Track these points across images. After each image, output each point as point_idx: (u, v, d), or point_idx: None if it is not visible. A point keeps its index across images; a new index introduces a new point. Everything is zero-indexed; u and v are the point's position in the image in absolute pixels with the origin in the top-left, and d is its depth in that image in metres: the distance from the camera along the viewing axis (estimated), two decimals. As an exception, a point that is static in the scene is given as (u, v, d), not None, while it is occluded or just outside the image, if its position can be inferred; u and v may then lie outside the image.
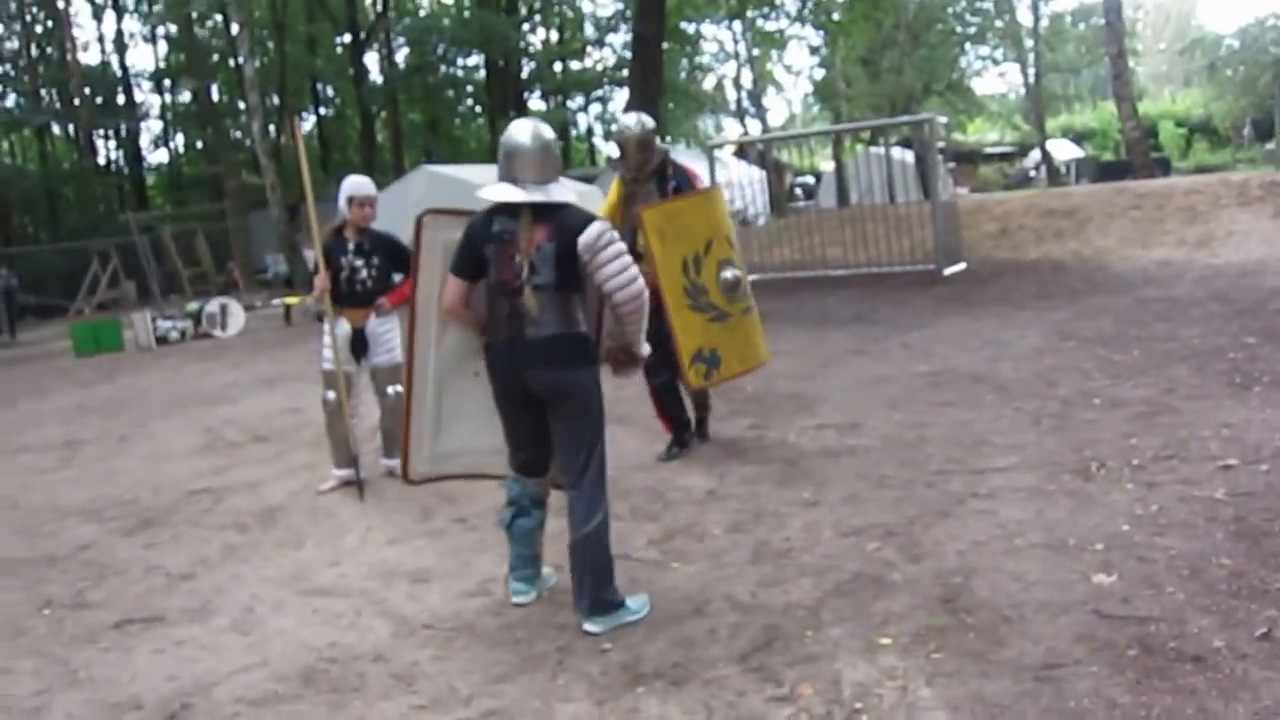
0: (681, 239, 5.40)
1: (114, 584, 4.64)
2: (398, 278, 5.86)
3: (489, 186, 3.68)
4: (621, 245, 3.62)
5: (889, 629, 3.36)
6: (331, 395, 5.85)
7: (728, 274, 5.52)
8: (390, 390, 5.83)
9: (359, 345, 5.89)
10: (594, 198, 5.99)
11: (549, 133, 3.72)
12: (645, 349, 3.85)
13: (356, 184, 5.90)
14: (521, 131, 3.68)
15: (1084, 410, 5.81)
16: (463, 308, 3.76)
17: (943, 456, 5.22)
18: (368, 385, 6.03)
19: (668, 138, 37.81)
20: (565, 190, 3.69)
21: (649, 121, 5.59)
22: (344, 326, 5.84)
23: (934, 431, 5.72)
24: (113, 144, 36.15)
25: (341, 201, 5.87)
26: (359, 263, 5.81)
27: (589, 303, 3.81)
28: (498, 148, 3.72)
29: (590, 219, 3.63)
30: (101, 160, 35.07)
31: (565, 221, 3.60)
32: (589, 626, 3.62)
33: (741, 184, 23.89)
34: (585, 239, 3.55)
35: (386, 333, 5.90)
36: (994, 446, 5.30)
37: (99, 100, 33.61)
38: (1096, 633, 3.16)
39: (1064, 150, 39.41)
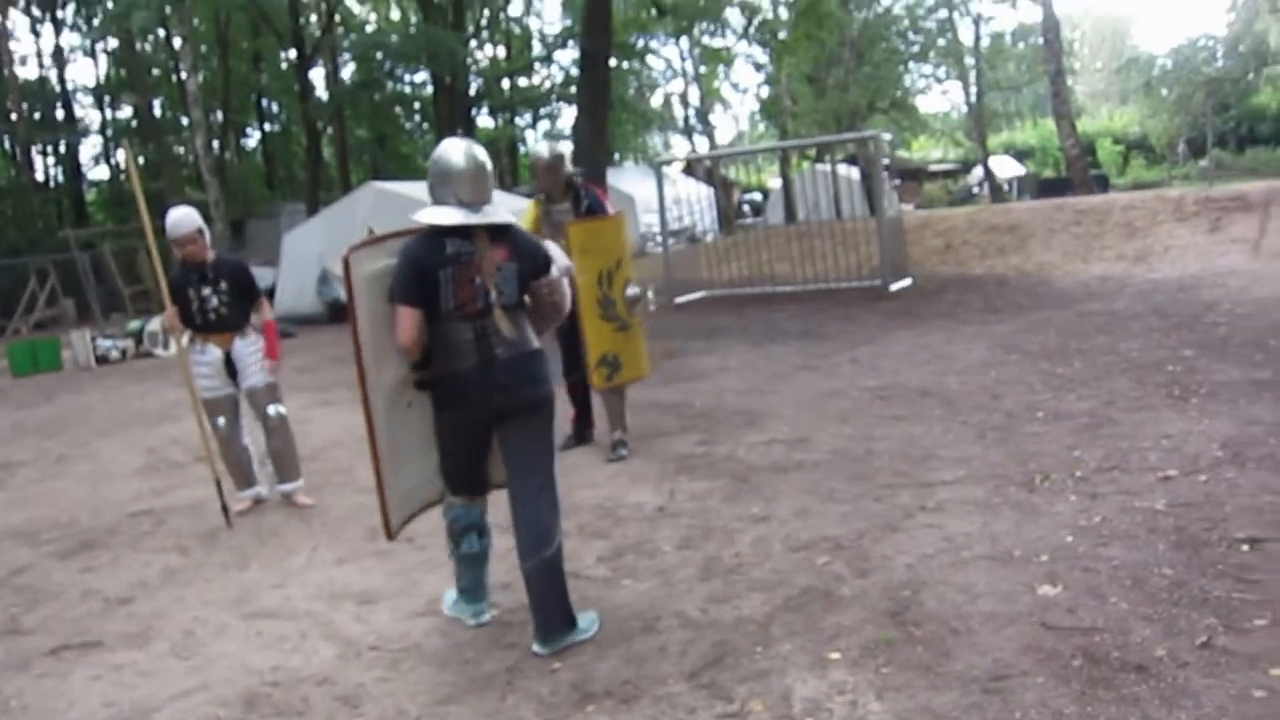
0: (600, 255, 6.05)
1: (50, 609, 4.53)
2: (251, 309, 5.87)
3: (434, 210, 3.58)
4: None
5: (838, 643, 3.37)
6: (221, 421, 5.79)
7: (632, 290, 6.19)
8: (272, 410, 5.81)
9: (230, 368, 5.81)
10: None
11: (482, 152, 3.67)
12: None
13: (171, 224, 5.68)
14: (455, 152, 3.62)
15: (1028, 423, 5.89)
16: (420, 339, 3.53)
17: (891, 470, 5.26)
18: (248, 410, 5.93)
19: (615, 154, 38.00)
20: (505, 210, 3.68)
21: (559, 148, 6.31)
22: (214, 352, 5.77)
23: (882, 445, 5.76)
24: (52, 159, 35.42)
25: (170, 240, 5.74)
26: (206, 291, 5.73)
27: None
28: (432, 169, 3.64)
29: (540, 241, 3.79)
30: (40, 176, 34.33)
31: (522, 243, 3.66)
32: (540, 649, 3.55)
33: (690, 201, 24.04)
34: (559, 264, 3.75)
35: (253, 354, 5.81)
36: (941, 460, 5.35)
37: (38, 115, 32.95)
38: (1042, 643, 3.19)
39: (1006, 167, 40.12)
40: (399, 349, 3.56)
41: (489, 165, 3.66)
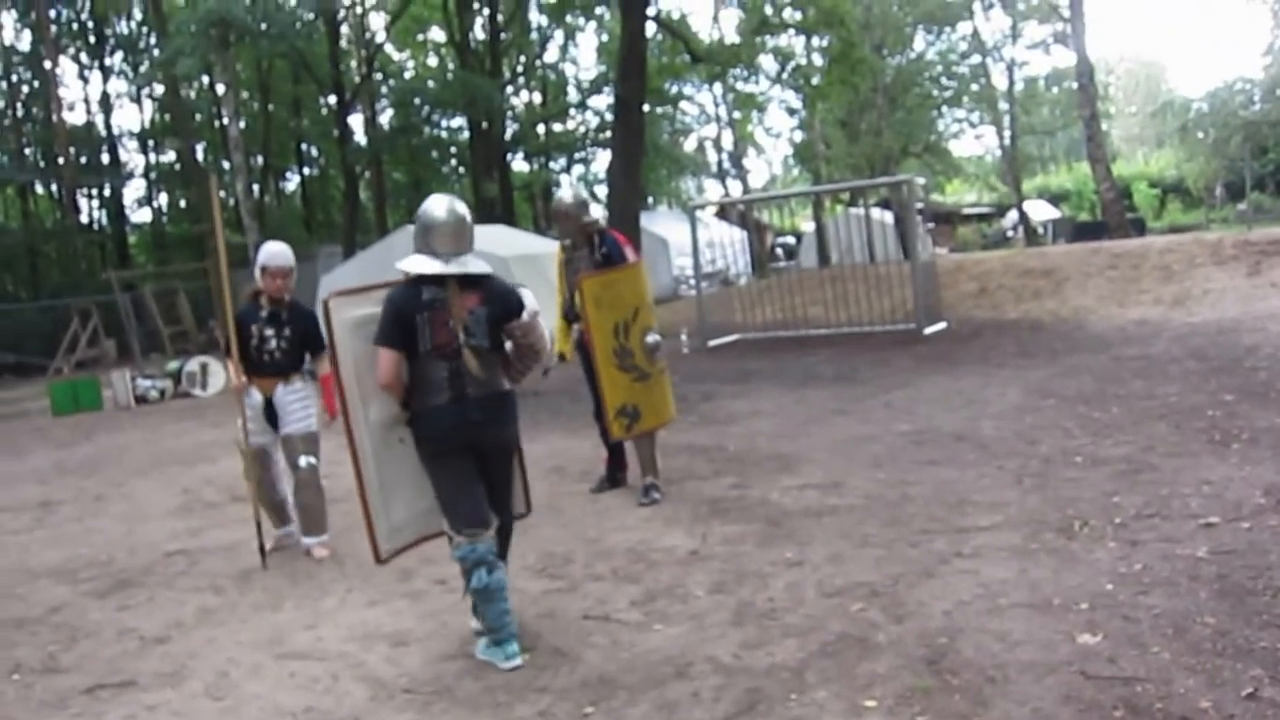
0: (615, 307, 6.03)
1: (86, 647, 4.56)
2: (308, 357, 5.83)
3: (413, 259, 3.95)
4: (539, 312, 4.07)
5: (874, 690, 3.33)
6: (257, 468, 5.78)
7: (650, 339, 6.14)
8: (303, 462, 5.70)
9: (270, 414, 5.76)
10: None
11: (463, 208, 4.03)
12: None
13: (270, 254, 5.73)
14: (438, 207, 3.99)
15: (1065, 468, 5.82)
16: (398, 379, 3.88)
17: (926, 516, 5.21)
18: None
19: (649, 198, 38.24)
20: (481, 261, 4.00)
21: (581, 194, 6.33)
22: (255, 396, 5.74)
23: (917, 490, 5.71)
24: (96, 203, 36.11)
25: (256, 269, 5.75)
26: (269, 332, 5.70)
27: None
28: (418, 222, 3.99)
29: (516, 290, 4.08)
30: (85, 219, 34.98)
31: (495, 289, 4.01)
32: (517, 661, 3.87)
33: (723, 244, 24.11)
34: (530, 311, 3.99)
35: (295, 401, 5.75)
36: (977, 505, 5.29)
37: (84, 159, 33.66)
38: (1083, 694, 3.14)
39: (1041, 211, 39.98)
40: (380, 387, 3.90)
41: (468, 219, 4.01)
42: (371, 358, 3.89)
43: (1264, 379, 7.75)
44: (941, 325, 13.40)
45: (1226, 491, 5.01)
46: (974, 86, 37.72)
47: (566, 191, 6.36)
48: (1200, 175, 37.80)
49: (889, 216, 25.11)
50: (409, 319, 3.85)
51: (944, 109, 39.31)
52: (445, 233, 3.93)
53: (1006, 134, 37.07)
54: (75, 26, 35.30)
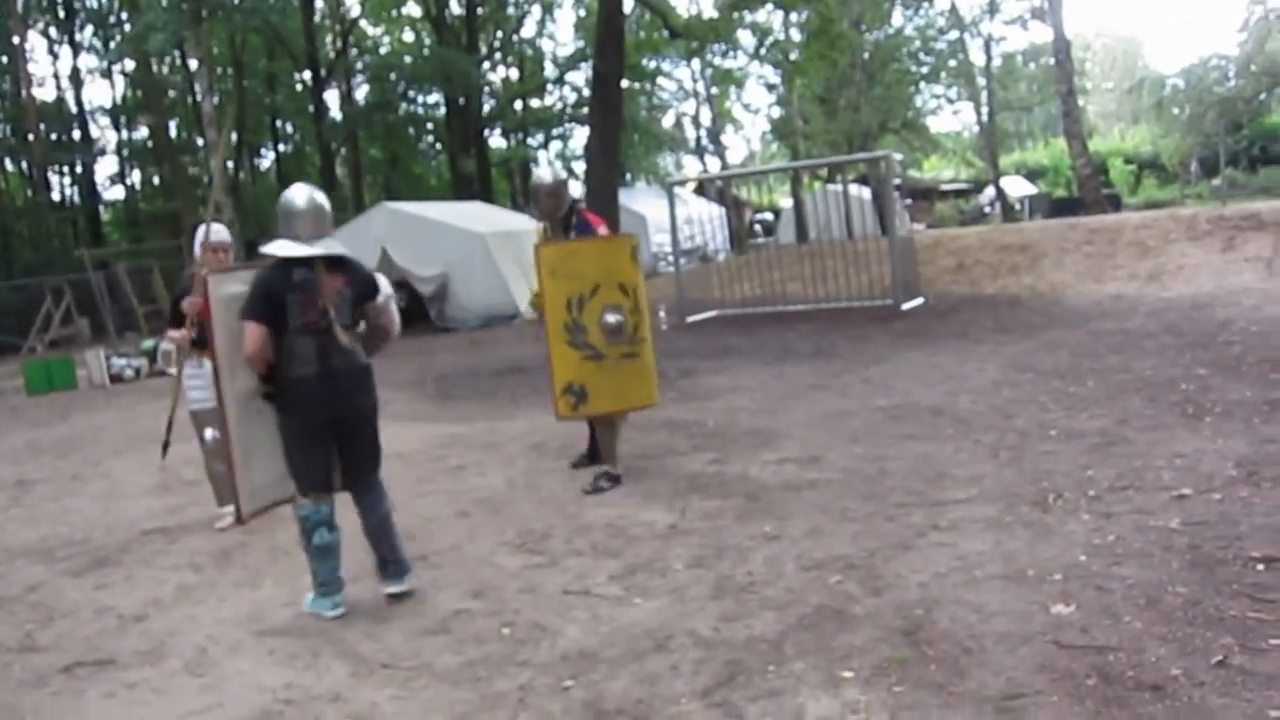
0: (570, 279, 5.82)
1: (63, 626, 4.54)
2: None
3: (279, 243, 4.22)
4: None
5: (851, 662, 3.36)
6: (210, 434, 5.83)
7: (610, 318, 5.85)
8: (208, 434, 5.86)
9: None
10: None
11: (321, 196, 4.36)
12: None
13: (212, 231, 5.84)
14: (299, 196, 4.31)
15: (1041, 442, 5.87)
16: (265, 352, 4.15)
17: (903, 489, 5.25)
18: None
19: (627, 175, 38.11)
20: (340, 244, 4.35)
21: (560, 174, 6.28)
22: (209, 365, 5.77)
23: (895, 465, 5.75)
24: (68, 180, 35.73)
25: (196, 247, 5.87)
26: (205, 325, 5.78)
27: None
28: (280, 210, 4.29)
29: (373, 273, 4.46)
30: (56, 196, 34.61)
31: (357, 272, 4.37)
32: (402, 587, 4.38)
33: (701, 220, 24.07)
34: (384, 294, 4.39)
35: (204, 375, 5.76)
36: (954, 479, 5.33)
37: (54, 136, 33.25)
38: (1056, 663, 3.18)
39: (1018, 187, 40.09)
40: (245, 359, 4.17)
41: (327, 207, 4.34)
42: (241, 332, 4.15)
43: (1237, 353, 7.83)
44: (919, 301, 13.46)
45: (1199, 464, 5.07)
46: (952, 62, 37.73)
47: (545, 171, 6.27)
48: (1175, 151, 38.03)
49: (867, 192, 25.16)
50: (279, 297, 4.12)
51: (922, 85, 39.29)
52: (306, 219, 4.24)
53: (984, 110, 37.13)
54: (44, 1, 34.76)
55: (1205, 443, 5.44)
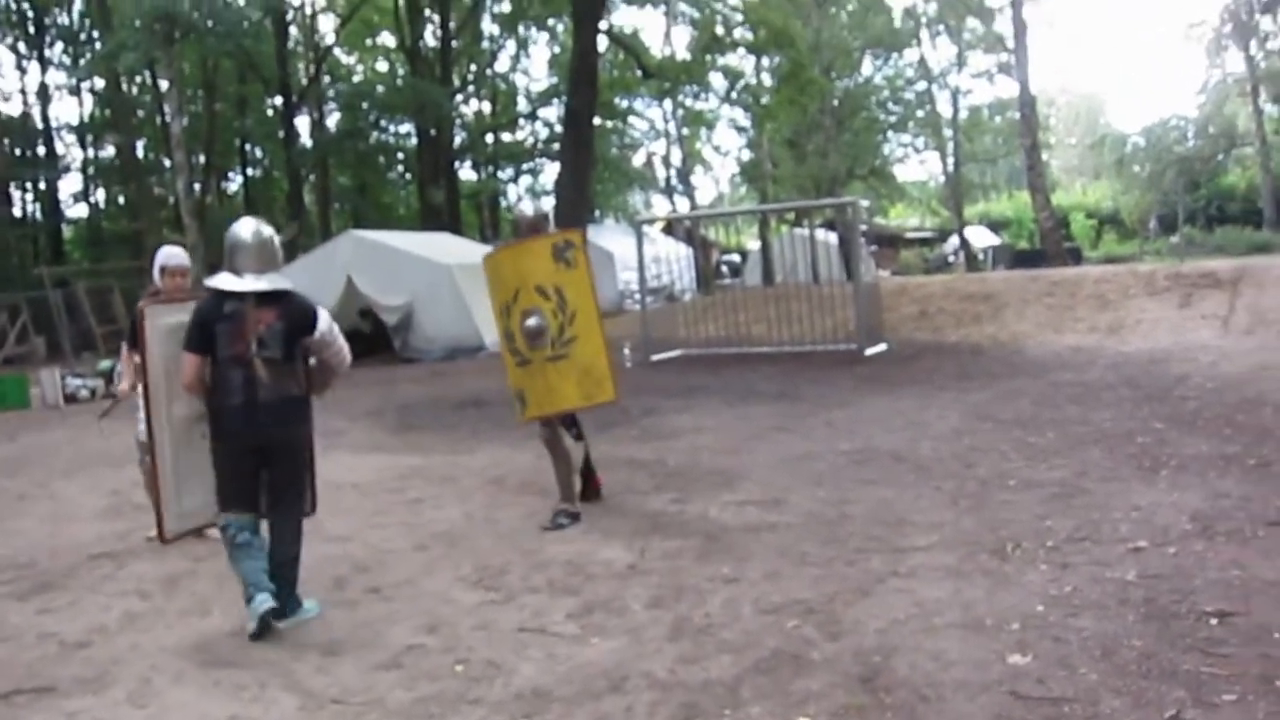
0: (500, 288, 6.08)
1: (4, 651, 4.42)
2: None
3: (220, 276, 4.41)
4: (337, 329, 4.51)
5: (808, 707, 3.33)
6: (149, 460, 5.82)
7: (530, 321, 5.89)
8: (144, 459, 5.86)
9: None
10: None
11: (268, 230, 4.51)
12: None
13: (168, 254, 6.07)
14: (245, 230, 4.46)
15: (1001, 491, 5.90)
16: (199, 380, 4.37)
17: (864, 534, 5.25)
18: None
19: (596, 212, 38.24)
20: (283, 279, 4.47)
21: (542, 208, 6.41)
22: None
23: (855, 509, 5.75)
24: (30, 196, 35.29)
25: (155, 271, 6.00)
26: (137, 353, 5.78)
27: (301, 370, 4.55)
28: (226, 243, 4.44)
29: (315, 307, 4.47)
30: (17, 212, 34.16)
31: (293, 306, 4.43)
32: (283, 624, 4.35)
33: (669, 260, 24.17)
34: (321, 328, 4.42)
35: None
36: (914, 525, 5.34)
37: (18, 151, 32.87)
38: (1012, 713, 3.17)
39: (982, 237, 40.67)
40: (183, 387, 4.39)
41: (272, 241, 4.48)
42: (179, 360, 4.38)
43: (1193, 408, 7.94)
44: (883, 346, 13.55)
45: (1155, 517, 5.11)
46: (919, 113, 38.40)
47: (527, 205, 6.44)
48: (1135, 208, 38.79)
49: (833, 237, 25.39)
50: (210, 327, 4.33)
51: (890, 133, 39.94)
52: (249, 253, 4.40)
53: (950, 160, 37.75)
54: (13, 15, 34.45)
55: (1161, 496, 5.49)
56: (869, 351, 13.13)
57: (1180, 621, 3.78)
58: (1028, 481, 6.06)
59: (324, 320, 4.46)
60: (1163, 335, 12.42)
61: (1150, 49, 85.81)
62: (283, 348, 4.37)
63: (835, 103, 33.41)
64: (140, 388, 5.75)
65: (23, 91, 35.28)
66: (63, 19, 35.05)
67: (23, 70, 35.40)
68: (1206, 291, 13.84)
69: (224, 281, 4.40)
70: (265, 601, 4.29)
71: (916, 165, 54.56)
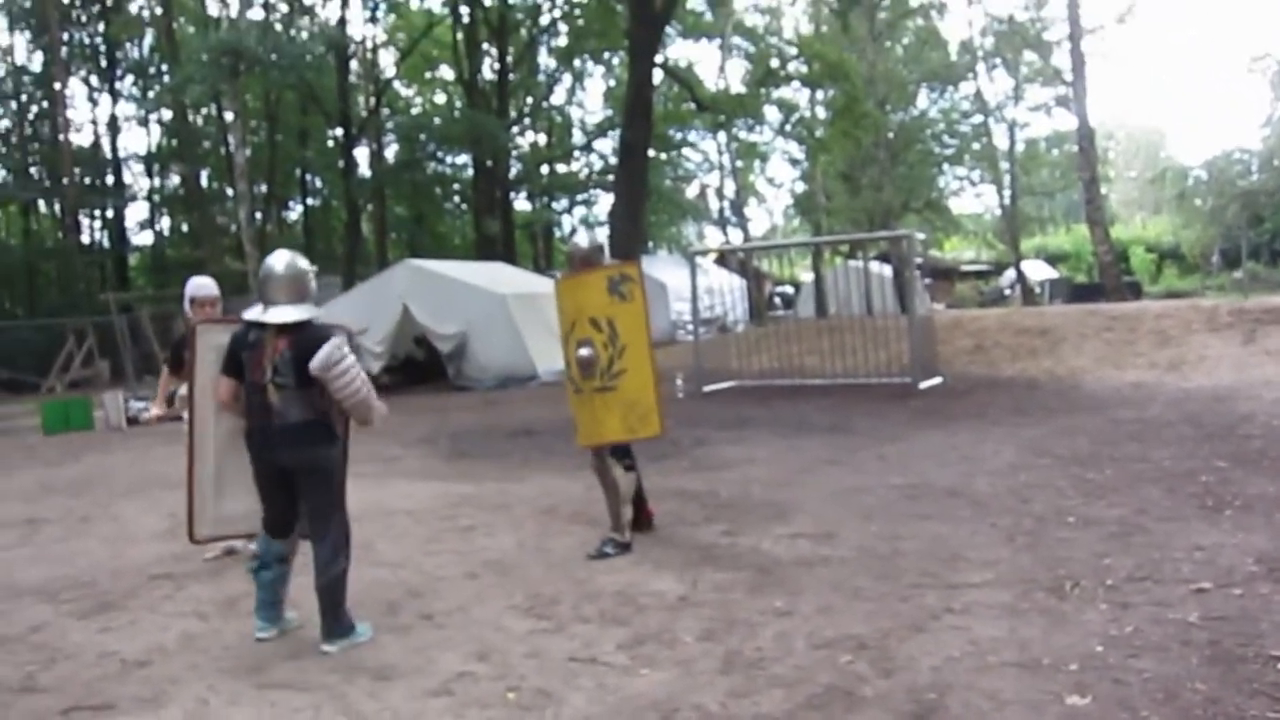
0: (561, 317, 6.25)
1: (65, 669, 4.51)
2: None
3: (253, 307, 4.66)
4: (351, 359, 4.50)
5: (861, 745, 3.29)
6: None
7: (581, 352, 6.01)
8: None
9: None
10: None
11: (302, 263, 4.68)
12: (379, 418, 4.69)
13: (197, 285, 6.32)
14: (278, 261, 4.65)
15: (1058, 528, 5.81)
16: (233, 400, 4.67)
17: (917, 570, 5.18)
18: None
19: (650, 243, 38.43)
20: (305, 310, 4.59)
21: (597, 239, 6.48)
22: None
23: (909, 544, 5.69)
24: (98, 224, 36.22)
25: (185, 302, 6.28)
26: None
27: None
28: (260, 274, 4.67)
29: (325, 339, 4.48)
30: (85, 239, 35.04)
31: (305, 336, 4.53)
32: (326, 647, 4.51)
33: (722, 291, 24.18)
34: (316, 361, 4.41)
35: None
36: (969, 561, 5.27)
37: (88, 180, 33.80)
38: (1071, 756, 3.11)
39: (1038, 270, 40.20)
40: (218, 402, 4.75)
41: (306, 274, 4.64)
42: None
43: (1258, 447, 7.76)
44: (937, 380, 13.43)
45: (1219, 557, 4.99)
46: (975, 145, 38.10)
47: (583, 236, 6.47)
48: (1197, 242, 38.09)
49: (888, 270, 25.28)
50: (238, 355, 4.62)
51: (945, 166, 39.68)
52: (278, 285, 4.58)
53: (1006, 193, 37.37)
54: (87, 49, 35.56)
55: (1225, 536, 5.37)
56: (923, 385, 13.01)
57: (1246, 665, 3.68)
58: (1086, 519, 5.95)
59: (323, 352, 4.41)
60: (1225, 372, 12.17)
61: (1212, 82, 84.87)
62: (294, 375, 4.50)
63: (890, 136, 33.26)
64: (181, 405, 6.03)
65: (93, 122, 36.43)
66: (133, 53, 36.12)
67: (94, 102, 36.56)
68: (1271, 328, 13.55)
69: (252, 312, 4.67)
70: (259, 630, 4.73)
71: (972, 198, 54.09)
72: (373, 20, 36.62)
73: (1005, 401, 11.45)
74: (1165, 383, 12.00)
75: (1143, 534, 5.54)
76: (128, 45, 35.69)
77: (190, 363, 4.88)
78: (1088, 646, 3.97)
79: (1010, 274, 38.64)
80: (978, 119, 37.39)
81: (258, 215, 30.82)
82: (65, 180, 31.38)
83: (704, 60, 61.82)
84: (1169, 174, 39.45)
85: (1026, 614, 4.40)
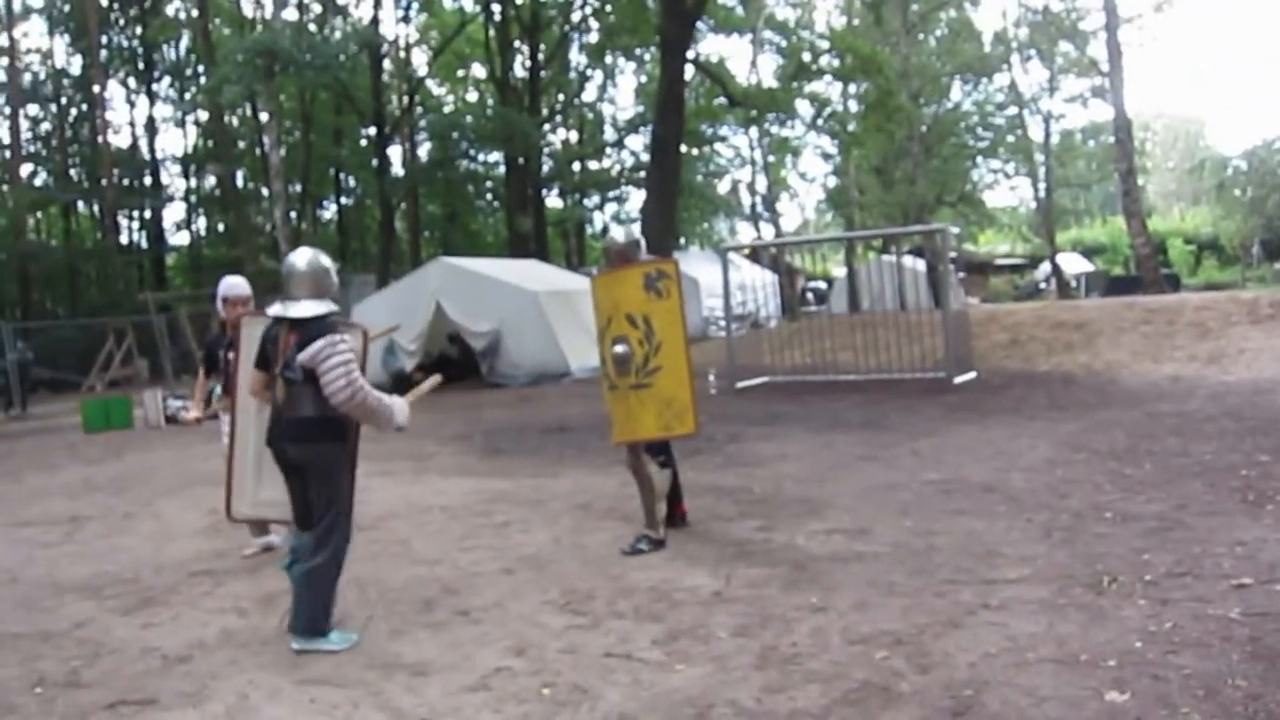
0: (598, 313, 6.21)
1: (109, 664, 4.58)
2: None
3: (276, 304, 4.76)
4: (341, 357, 4.45)
5: (897, 741, 3.29)
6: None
7: (617, 349, 5.98)
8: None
9: None
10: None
11: (324, 260, 4.75)
12: (394, 425, 4.69)
13: (229, 285, 6.43)
14: (299, 259, 4.73)
15: (1095, 523, 5.76)
16: (263, 391, 4.86)
17: (953, 566, 5.16)
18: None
19: (682, 239, 38.41)
20: (319, 306, 4.62)
21: (634, 234, 6.37)
22: (226, 419, 6.08)
23: (944, 540, 5.66)
24: (136, 224, 36.73)
25: (218, 301, 6.37)
26: (234, 355, 5.96)
27: None
28: (283, 270, 4.73)
29: (324, 333, 4.49)
30: (124, 239, 35.56)
31: (309, 331, 4.55)
32: (293, 644, 4.54)
33: (754, 287, 24.12)
34: (304, 354, 4.48)
35: None
36: (1005, 557, 5.24)
37: (126, 181, 34.26)
38: (1110, 753, 3.08)
39: (1074, 264, 39.82)
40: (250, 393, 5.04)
41: (320, 269, 4.68)
42: None
43: (1300, 441, 7.65)
44: (972, 375, 13.33)
45: (1260, 553, 4.93)
46: (1010, 138, 37.80)
47: (619, 231, 6.43)
48: (1236, 233, 37.61)
49: (921, 264, 25.10)
50: (264, 349, 4.80)
51: (979, 159, 39.39)
52: (294, 281, 4.65)
53: (1041, 186, 37.05)
54: (125, 52, 36.02)
55: (1267, 531, 5.30)
56: (957, 380, 12.92)
57: (1288, 662, 3.64)
58: (1124, 514, 5.90)
59: (314, 346, 4.46)
60: (1267, 365, 11.99)
61: (1251, 70, 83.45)
62: (300, 370, 4.55)
63: (923, 129, 33.06)
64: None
65: (131, 124, 36.98)
66: (170, 55, 36.56)
67: (132, 104, 37.10)
68: (1314, 320, 13.35)
69: (274, 308, 4.80)
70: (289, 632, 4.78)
71: (1007, 191, 53.68)
72: (405, 19, 36.90)
73: (1041, 396, 11.36)
74: (1205, 376, 11.84)
75: (1182, 529, 5.48)
76: (165, 47, 36.13)
77: (236, 353, 5.18)
78: (1126, 642, 3.93)
79: (1045, 267, 38.33)
80: (1012, 111, 37.09)
81: (293, 215, 31.06)
82: (104, 181, 31.85)
83: (736, 55, 61.72)
84: (1208, 164, 39.00)
85: (1064, 610, 4.37)
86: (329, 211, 41.39)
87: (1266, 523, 5.47)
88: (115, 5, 34.64)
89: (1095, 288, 33.26)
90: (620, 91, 62.21)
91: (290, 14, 31.06)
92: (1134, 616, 4.22)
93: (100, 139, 32.72)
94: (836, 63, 26.92)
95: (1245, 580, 4.54)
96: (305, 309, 4.62)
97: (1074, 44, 33.07)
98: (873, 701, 3.60)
